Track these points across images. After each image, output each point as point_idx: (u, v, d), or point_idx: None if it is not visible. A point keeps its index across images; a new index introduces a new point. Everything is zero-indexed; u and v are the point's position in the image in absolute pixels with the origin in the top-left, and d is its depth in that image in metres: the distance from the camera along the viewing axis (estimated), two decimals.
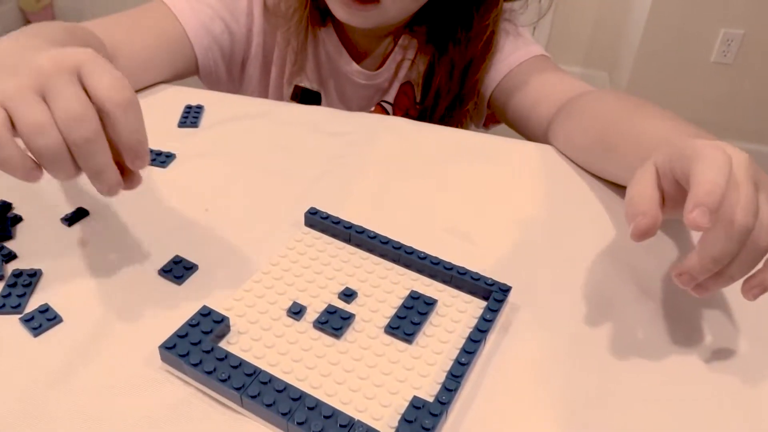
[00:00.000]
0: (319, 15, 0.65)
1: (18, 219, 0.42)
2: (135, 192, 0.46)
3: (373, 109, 0.72)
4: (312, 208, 0.43)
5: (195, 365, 0.32)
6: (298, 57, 0.66)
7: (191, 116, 0.55)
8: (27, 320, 0.35)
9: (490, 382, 0.34)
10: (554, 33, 2.20)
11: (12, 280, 0.37)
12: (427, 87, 0.68)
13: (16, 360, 0.33)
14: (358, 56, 0.69)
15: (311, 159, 0.52)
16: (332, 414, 0.29)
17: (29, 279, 0.37)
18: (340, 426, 0.29)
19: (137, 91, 0.55)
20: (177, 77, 0.62)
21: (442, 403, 0.30)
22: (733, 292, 0.41)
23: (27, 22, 2.63)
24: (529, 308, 0.38)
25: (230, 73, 0.67)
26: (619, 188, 0.50)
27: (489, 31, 0.64)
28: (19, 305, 0.35)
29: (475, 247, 0.43)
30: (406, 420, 0.29)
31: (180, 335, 0.33)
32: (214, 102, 0.58)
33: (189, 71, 0.64)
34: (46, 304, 0.36)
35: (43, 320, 0.35)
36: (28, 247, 0.40)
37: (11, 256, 0.39)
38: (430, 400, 0.31)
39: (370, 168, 0.51)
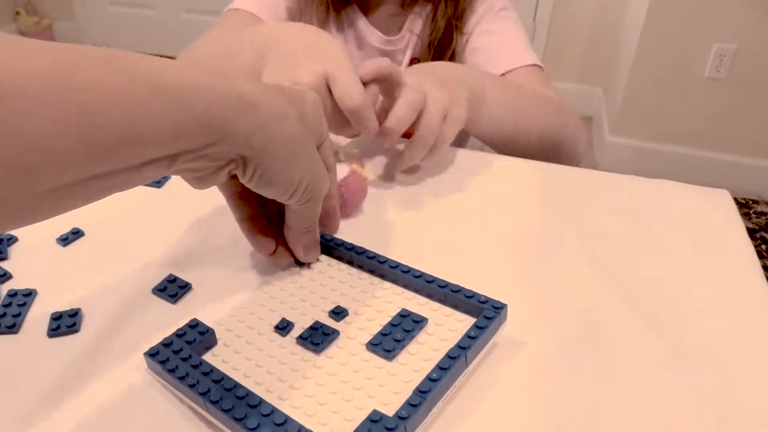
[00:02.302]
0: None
1: (13, 239, 0.44)
2: (130, 211, 0.49)
3: None
4: None
5: (170, 371, 0.32)
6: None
7: None
8: (55, 318, 0.37)
9: (470, 404, 0.32)
10: (549, 50, 2.26)
11: (7, 300, 0.38)
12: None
13: (11, 378, 0.34)
14: (373, 21, 0.78)
15: None
16: (284, 421, 0.28)
17: (24, 299, 0.38)
18: None
19: None
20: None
21: (401, 418, 0.28)
22: (719, 305, 0.40)
23: None
24: (517, 327, 0.37)
25: None
26: (608, 206, 0.51)
27: None
28: (14, 325, 0.36)
29: (465, 264, 0.43)
30: None
31: (165, 344, 0.34)
32: None
33: None
34: (79, 308, 0.38)
35: (67, 323, 0.37)
36: (23, 267, 0.42)
37: (6, 276, 0.41)
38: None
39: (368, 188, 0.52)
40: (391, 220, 0.48)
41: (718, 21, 1.79)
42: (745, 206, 1.93)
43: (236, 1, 0.75)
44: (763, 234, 1.82)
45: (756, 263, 0.44)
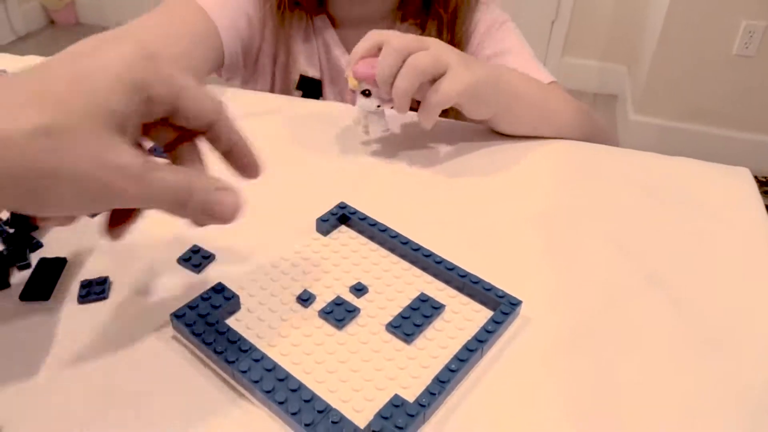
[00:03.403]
0: (316, 3, 0.68)
1: None
2: None
3: None
4: (342, 203, 0.44)
5: (198, 335, 0.33)
6: (286, 46, 0.69)
7: None
8: (84, 285, 0.38)
9: (483, 391, 0.33)
10: (573, 27, 2.21)
11: (39, 268, 0.39)
12: None
13: (43, 343, 0.35)
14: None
15: (326, 153, 0.53)
16: (311, 398, 0.30)
17: (55, 267, 0.39)
18: (317, 411, 0.29)
19: None
20: (209, 72, 0.65)
21: (422, 405, 0.30)
22: (739, 282, 0.41)
23: (50, 19, 2.73)
24: (538, 306, 0.38)
25: (246, 63, 0.70)
26: (628, 183, 0.51)
27: None
28: (45, 292, 0.37)
29: (484, 242, 0.44)
30: (381, 416, 0.29)
31: (191, 306, 0.35)
32: (231, 98, 0.60)
33: (218, 66, 0.66)
34: (107, 277, 0.38)
35: (96, 290, 0.38)
36: (53, 237, 0.42)
37: (37, 245, 0.41)
38: (412, 401, 0.30)
39: (385, 163, 0.52)
40: (412, 197, 0.49)
41: None
42: (765, 184, 1.90)
43: None
44: None
45: None
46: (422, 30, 0.68)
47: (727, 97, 1.91)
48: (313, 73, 0.72)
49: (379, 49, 0.48)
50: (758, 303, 0.40)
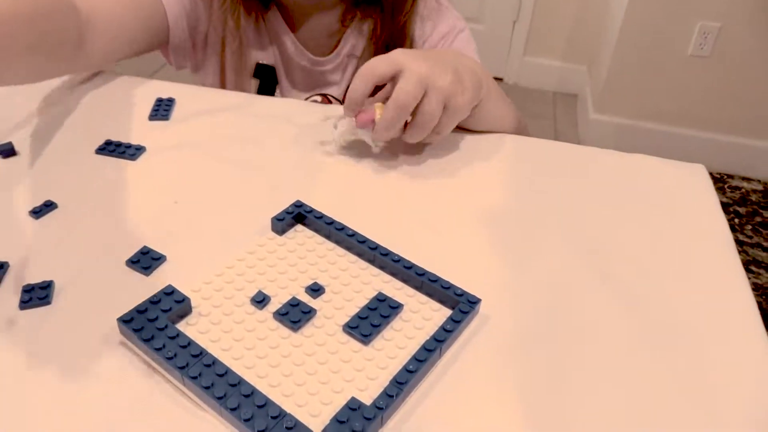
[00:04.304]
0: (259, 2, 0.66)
1: None
2: (103, 183, 0.48)
3: (320, 100, 0.72)
4: (298, 201, 0.43)
5: (146, 340, 0.32)
6: (235, 33, 0.67)
7: (162, 109, 0.56)
8: (27, 290, 0.36)
9: (441, 391, 0.33)
10: (534, 28, 2.27)
11: None
12: None
13: None
14: (304, 39, 0.70)
15: (282, 151, 0.52)
16: (265, 403, 0.29)
17: None
18: (271, 417, 0.29)
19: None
20: (150, 46, 0.63)
21: (379, 408, 0.29)
22: (692, 278, 0.42)
23: None
24: (491, 303, 0.37)
25: (194, 45, 0.69)
26: (585, 180, 0.51)
27: None
28: None
29: (440, 239, 0.43)
30: (338, 420, 0.29)
31: (139, 311, 0.34)
32: (185, 95, 0.58)
33: (161, 41, 0.65)
34: (51, 281, 0.37)
35: (39, 295, 0.36)
36: None
37: None
38: (369, 403, 0.30)
39: (341, 160, 0.51)
40: (369, 195, 0.48)
41: None
42: (720, 180, 1.97)
43: None
44: (737, 208, 1.85)
45: (728, 236, 0.45)
46: (371, 20, 0.67)
47: (683, 97, 1.97)
48: (267, 60, 0.71)
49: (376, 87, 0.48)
50: (714, 298, 0.40)
